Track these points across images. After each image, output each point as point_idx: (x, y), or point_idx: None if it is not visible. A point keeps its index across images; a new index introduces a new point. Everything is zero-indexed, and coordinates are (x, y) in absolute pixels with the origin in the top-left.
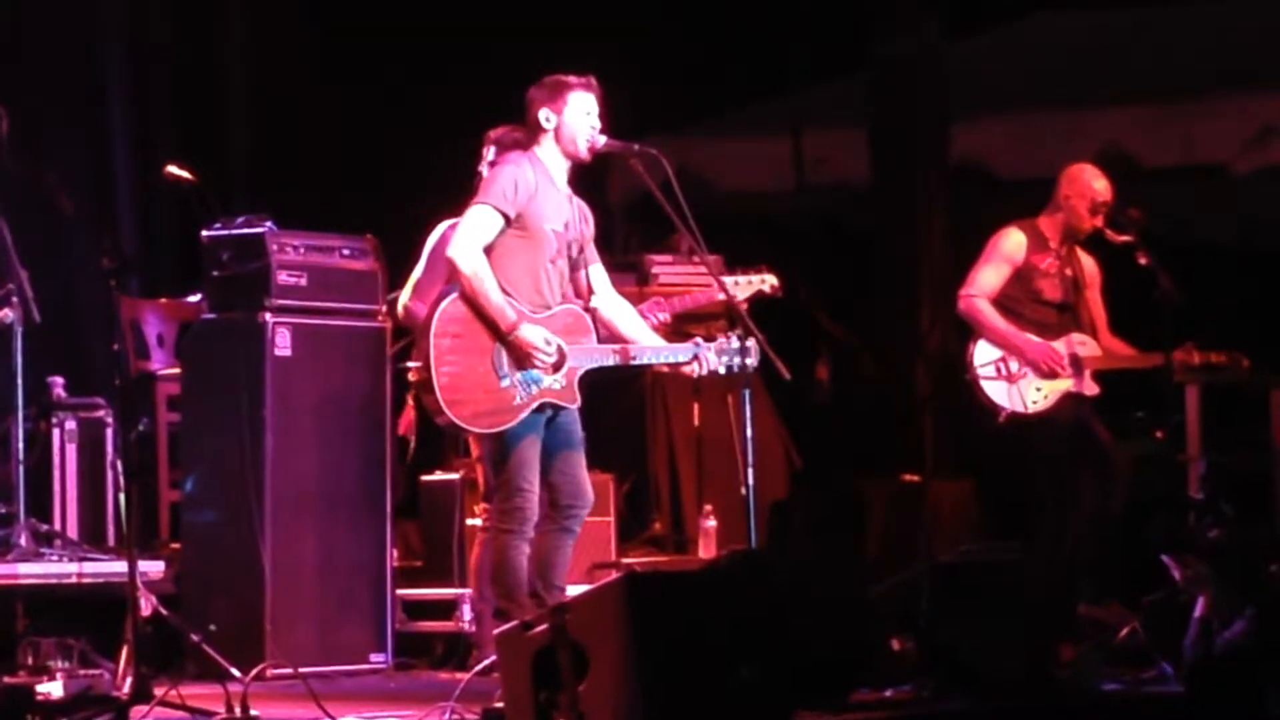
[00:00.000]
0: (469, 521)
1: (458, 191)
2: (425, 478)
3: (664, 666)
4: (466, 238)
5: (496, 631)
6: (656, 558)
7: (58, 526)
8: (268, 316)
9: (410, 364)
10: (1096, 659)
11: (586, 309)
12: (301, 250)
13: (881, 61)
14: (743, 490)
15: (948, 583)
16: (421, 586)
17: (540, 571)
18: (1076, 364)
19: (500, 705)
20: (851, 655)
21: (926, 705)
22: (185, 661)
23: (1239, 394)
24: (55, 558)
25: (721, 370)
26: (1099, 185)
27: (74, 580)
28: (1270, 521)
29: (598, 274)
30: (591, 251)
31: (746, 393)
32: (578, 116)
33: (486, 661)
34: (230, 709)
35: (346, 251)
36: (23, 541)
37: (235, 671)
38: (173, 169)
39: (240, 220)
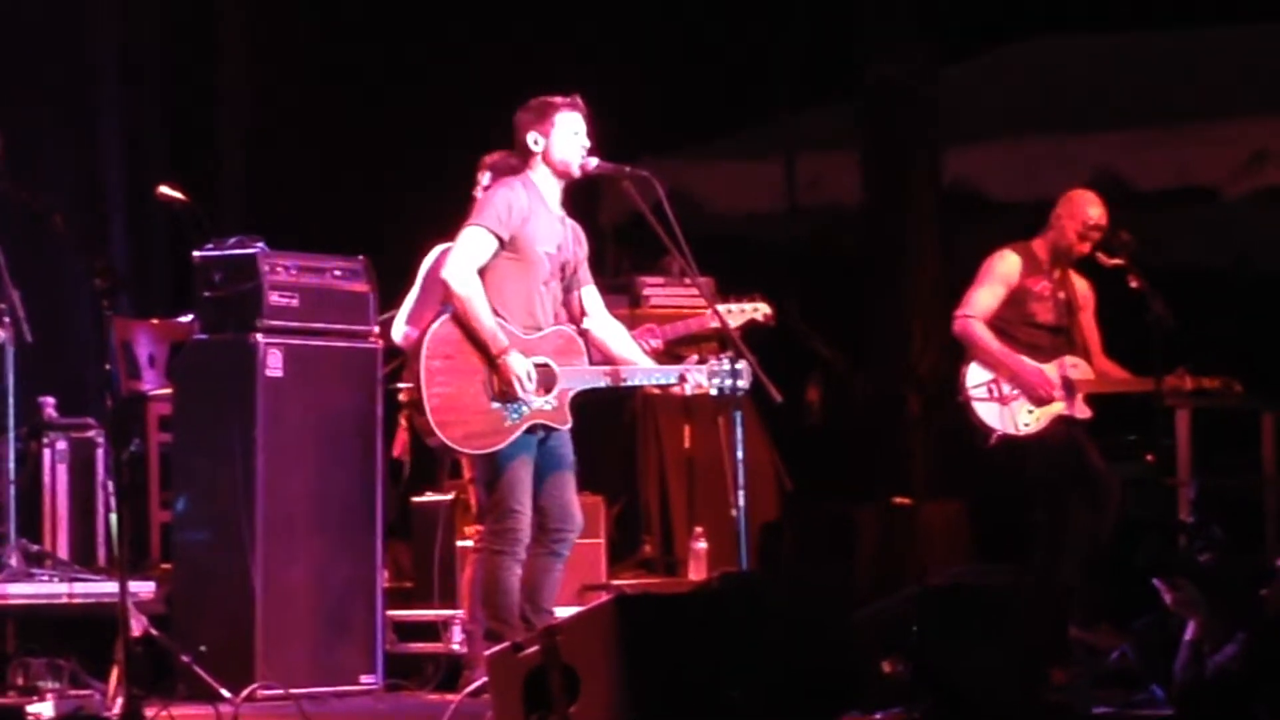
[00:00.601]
0: (460, 543)
1: (452, 213)
2: (416, 499)
3: (654, 689)
4: (460, 260)
5: (488, 653)
6: (647, 580)
7: (48, 547)
8: (259, 337)
9: (401, 385)
10: (1087, 682)
11: (579, 331)
12: (293, 271)
13: (874, 85)
14: (733, 512)
15: (938, 605)
16: (412, 608)
17: (528, 595)
18: (1069, 387)
19: None
20: (842, 678)
21: None
22: (176, 682)
23: (1229, 418)
24: (46, 578)
25: (713, 392)
26: (1094, 210)
27: (65, 600)
28: (1261, 545)
29: (591, 296)
30: (585, 273)
31: (738, 414)
32: (565, 136)
33: (477, 683)
34: None
35: (339, 272)
36: (13, 562)
37: (226, 692)
38: (165, 190)
39: (232, 241)
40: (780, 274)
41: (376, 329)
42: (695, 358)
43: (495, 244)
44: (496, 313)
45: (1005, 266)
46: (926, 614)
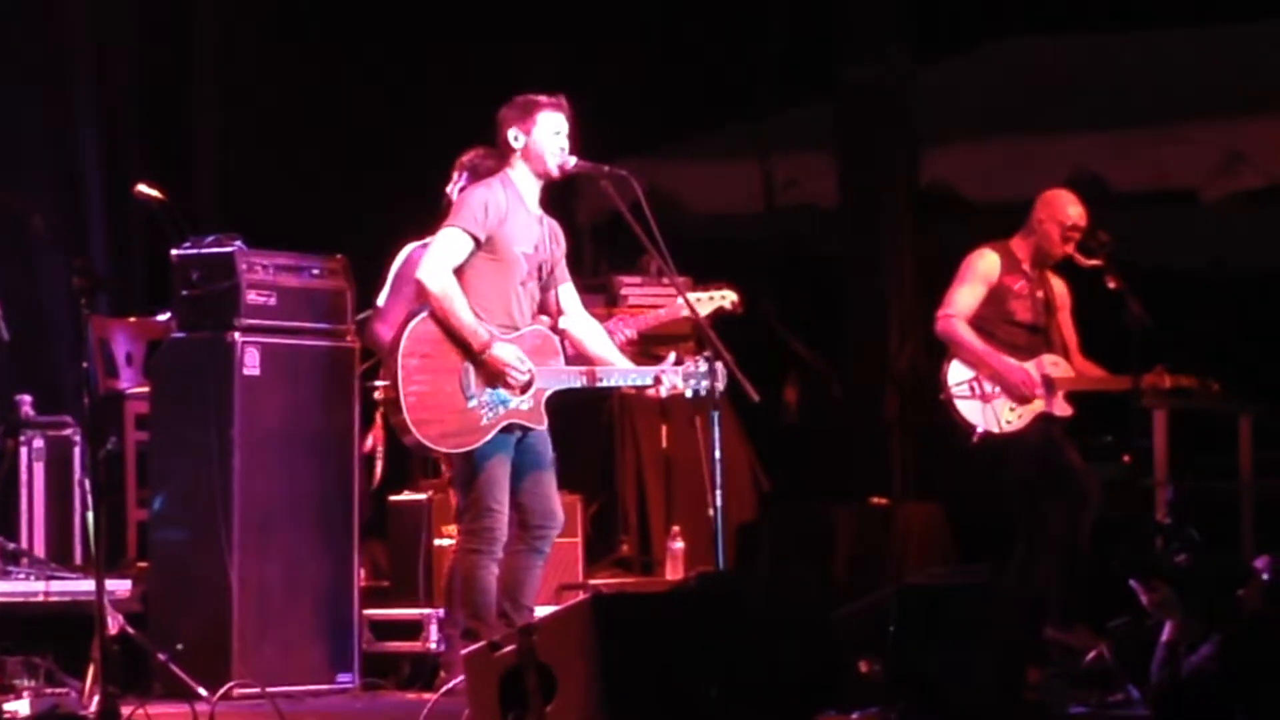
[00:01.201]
0: (437, 542)
1: (428, 213)
2: (394, 498)
3: (631, 688)
4: (436, 260)
5: (464, 652)
6: (624, 579)
7: (25, 545)
8: (237, 336)
9: (377, 383)
10: (1063, 683)
11: (554, 329)
12: (271, 270)
13: (850, 86)
14: (710, 512)
15: (915, 605)
16: (389, 607)
17: (509, 592)
18: (1049, 384)
19: None
20: (818, 678)
21: None
22: (152, 680)
23: (1206, 419)
24: (22, 576)
25: (688, 393)
26: (1073, 211)
27: (41, 598)
28: (1237, 547)
29: (568, 294)
30: (562, 271)
31: (714, 414)
32: (546, 135)
33: (454, 682)
34: None
35: (316, 271)
36: None
37: (202, 691)
38: (142, 188)
39: (210, 239)
40: (757, 274)
41: (354, 328)
42: (673, 358)
43: (471, 245)
44: (474, 313)
45: (985, 265)
46: (903, 614)
